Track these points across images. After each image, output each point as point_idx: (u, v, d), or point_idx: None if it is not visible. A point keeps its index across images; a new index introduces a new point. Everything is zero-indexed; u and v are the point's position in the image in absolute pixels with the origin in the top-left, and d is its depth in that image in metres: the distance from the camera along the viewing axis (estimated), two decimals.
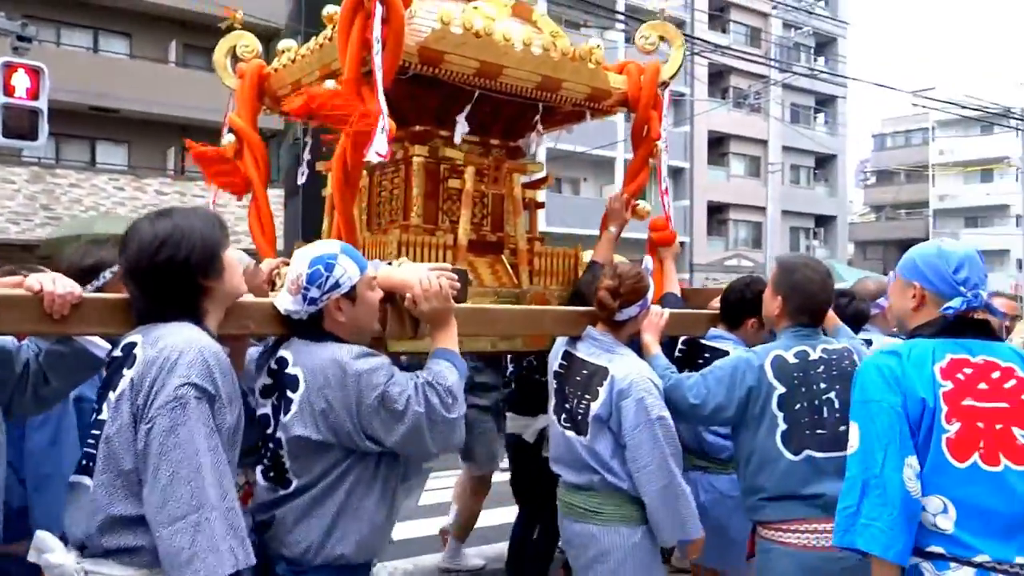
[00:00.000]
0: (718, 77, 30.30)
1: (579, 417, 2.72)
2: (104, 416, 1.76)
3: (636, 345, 2.91)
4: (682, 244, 3.78)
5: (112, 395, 1.76)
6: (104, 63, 18.82)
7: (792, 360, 2.60)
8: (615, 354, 2.74)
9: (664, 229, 3.57)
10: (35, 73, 7.21)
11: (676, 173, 29.60)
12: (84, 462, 1.81)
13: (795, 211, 33.35)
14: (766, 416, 2.58)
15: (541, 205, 3.64)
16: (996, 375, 1.95)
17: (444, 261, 2.92)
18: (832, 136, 35.04)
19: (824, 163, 35.63)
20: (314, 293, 2.06)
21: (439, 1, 3.08)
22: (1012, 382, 1.94)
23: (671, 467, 2.59)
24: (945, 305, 2.01)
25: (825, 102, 34.98)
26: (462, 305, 2.42)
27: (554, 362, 2.92)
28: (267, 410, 2.10)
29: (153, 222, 1.86)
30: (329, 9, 2.98)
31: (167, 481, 1.63)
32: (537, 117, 3.27)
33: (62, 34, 18.77)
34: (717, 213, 30.96)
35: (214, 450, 1.69)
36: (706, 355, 3.12)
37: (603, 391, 2.66)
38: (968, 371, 1.94)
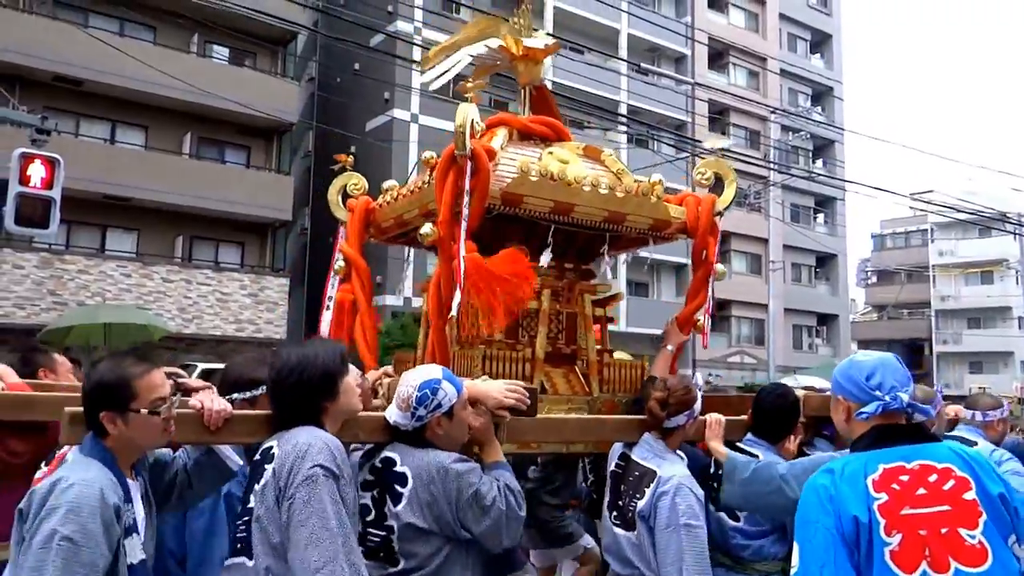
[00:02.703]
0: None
1: (628, 514, 2.94)
2: (252, 505, 2.21)
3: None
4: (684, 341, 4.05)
5: (257, 487, 2.20)
6: (119, 154, 19.36)
7: None
8: (665, 460, 2.95)
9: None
10: (51, 164, 7.39)
11: (678, 269, 29.86)
12: (238, 545, 2.24)
13: (797, 309, 33.46)
14: None
15: (612, 320, 4.00)
16: (934, 478, 1.94)
17: (523, 373, 3.35)
18: (832, 236, 35.51)
19: (825, 262, 35.97)
20: (421, 412, 2.49)
21: (520, 148, 3.62)
22: (951, 483, 1.92)
23: (689, 573, 2.73)
24: (859, 410, 2.07)
25: (824, 203, 35.61)
26: (539, 416, 2.94)
27: (611, 462, 3.16)
28: (367, 501, 2.49)
29: (289, 352, 2.39)
30: (426, 154, 3.46)
31: (307, 541, 2.05)
32: (605, 246, 3.70)
33: (81, 125, 19.37)
34: (719, 310, 31.05)
35: (339, 515, 2.10)
36: None
37: (648, 491, 2.88)
38: (904, 478, 1.94)
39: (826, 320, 35.76)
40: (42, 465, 2.49)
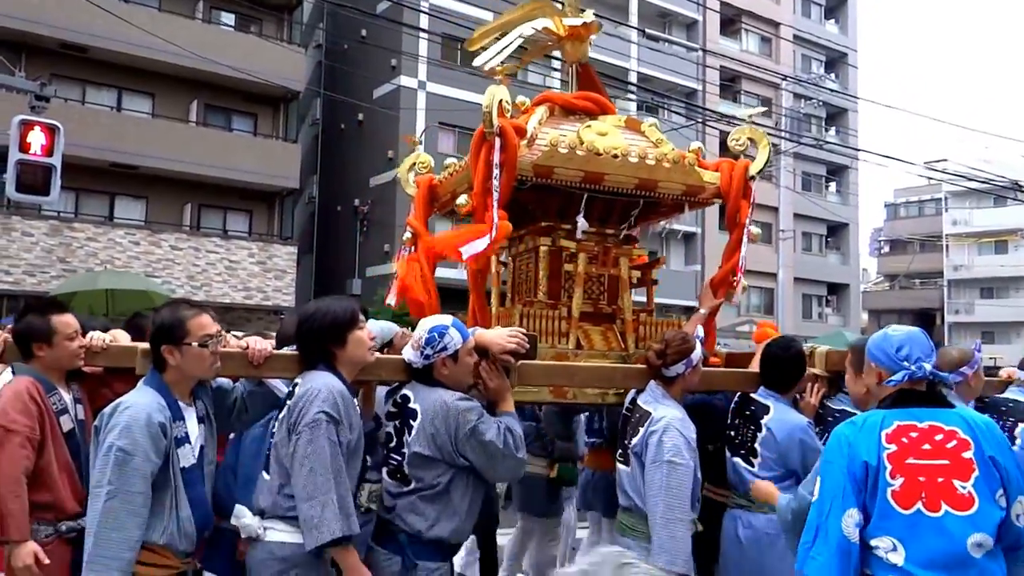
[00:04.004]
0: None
1: (626, 451, 3.29)
2: (274, 429, 2.77)
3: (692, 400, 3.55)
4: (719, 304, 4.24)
5: (280, 415, 2.74)
6: (126, 121, 19.35)
7: None
8: (661, 403, 3.24)
9: (768, 327, 4.11)
10: (50, 131, 7.40)
11: (688, 238, 29.75)
12: (263, 460, 2.84)
13: (807, 278, 33.29)
14: None
15: (656, 282, 4.31)
16: (939, 437, 2.31)
17: (560, 330, 3.71)
18: (844, 205, 35.18)
19: (836, 231, 35.69)
20: (428, 351, 2.89)
21: (560, 123, 3.86)
22: (953, 442, 2.29)
23: (666, 504, 3.00)
24: (888, 378, 2.43)
25: (836, 171, 35.24)
26: (548, 362, 3.45)
27: (624, 407, 3.50)
28: (390, 429, 2.97)
29: (311, 304, 2.92)
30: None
31: (307, 473, 2.55)
32: (635, 212, 3.95)
33: (88, 93, 19.35)
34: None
35: (335, 456, 2.59)
36: (752, 407, 3.52)
37: (642, 429, 3.18)
38: (913, 435, 2.32)
39: (836, 289, 35.57)
40: None
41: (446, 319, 2.97)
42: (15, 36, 17.06)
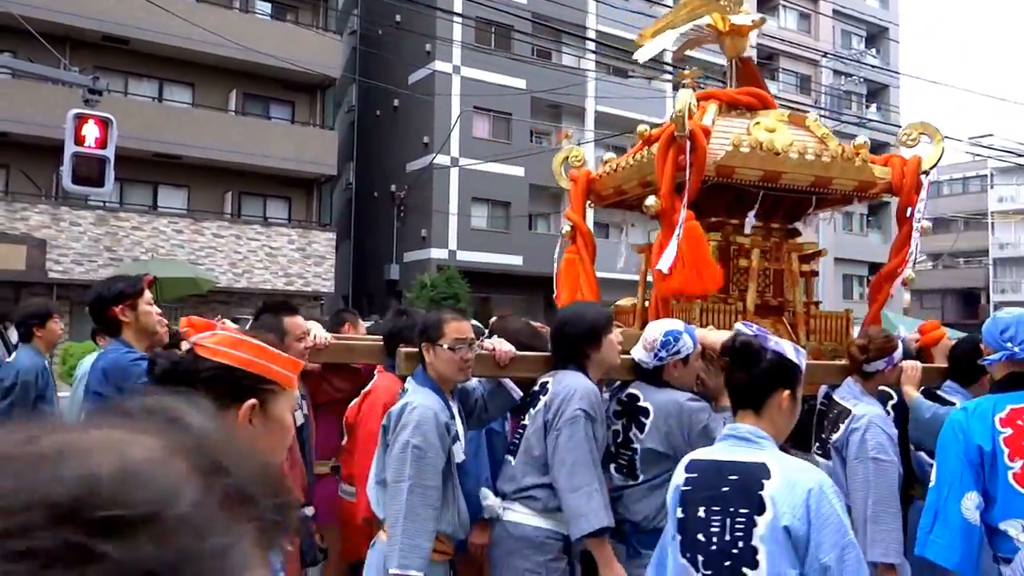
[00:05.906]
0: None
1: (827, 445, 3.38)
2: (527, 422, 3.00)
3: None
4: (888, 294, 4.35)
5: (532, 411, 2.99)
6: (168, 111, 19.64)
7: None
8: (861, 400, 3.32)
9: (934, 330, 4.23)
10: (104, 124, 7.56)
11: None
12: (511, 447, 3.08)
13: (848, 258, 32.76)
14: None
15: (816, 274, 4.36)
16: None
17: (735, 323, 3.68)
18: None
19: (877, 210, 34.99)
20: (662, 354, 3.05)
21: (729, 120, 3.92)
22: None
23: (874, 499, 3.06)
24: (986, 357, 2.53)
25: (877, 149, 34.42)
26: None
27: (818, 401, 3.62)
28: (618, 427, 3.14)
29: (567, 309, 3.26)
30: (641, 128, 3.84)
31: (569, 467, 2.76)
32: (811, 209, 4.06)
33: (130, 84, 19.66)
34: None
35: (592, 450, 2.81)
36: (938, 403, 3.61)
37: (843, 426, 3.27)
38: None
39: (877, 269, 34.78)
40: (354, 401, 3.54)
41: (678, 324, 3.13)
42: (59, 29, 17.36)
